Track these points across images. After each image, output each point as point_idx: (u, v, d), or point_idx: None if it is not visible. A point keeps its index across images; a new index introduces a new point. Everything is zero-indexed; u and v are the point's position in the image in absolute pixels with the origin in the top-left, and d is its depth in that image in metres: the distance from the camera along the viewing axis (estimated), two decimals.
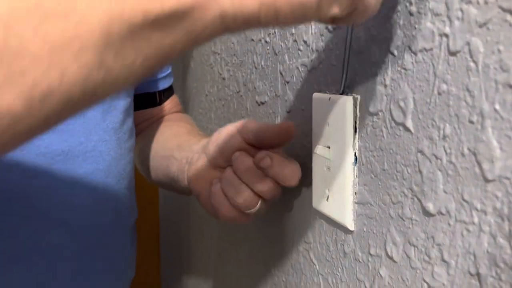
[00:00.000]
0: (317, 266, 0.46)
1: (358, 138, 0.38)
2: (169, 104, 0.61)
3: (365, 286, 0.38)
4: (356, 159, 0.38)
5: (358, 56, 0.38)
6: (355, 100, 0.38)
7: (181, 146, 0.51)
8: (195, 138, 0.52)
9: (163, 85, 0.58)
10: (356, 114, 0.38)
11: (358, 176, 0.38)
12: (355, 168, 0.38)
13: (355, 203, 0.39)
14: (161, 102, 0.59)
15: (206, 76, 0.79)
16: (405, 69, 0.32)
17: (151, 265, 1.01)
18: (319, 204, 0.44)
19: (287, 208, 0.52)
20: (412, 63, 0.32)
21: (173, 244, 1.02)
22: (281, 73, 0.51)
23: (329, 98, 0.40)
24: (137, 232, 0.98)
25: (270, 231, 0.57)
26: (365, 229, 0.38)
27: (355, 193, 0.39)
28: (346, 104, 0.38)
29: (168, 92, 0.60)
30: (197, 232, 0.92)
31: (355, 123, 0.38)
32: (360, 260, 0.39)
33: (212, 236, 0.81)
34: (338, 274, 0.42)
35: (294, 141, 0.50)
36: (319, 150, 0.41)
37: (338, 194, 0.40)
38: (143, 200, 0.97)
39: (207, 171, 0.44)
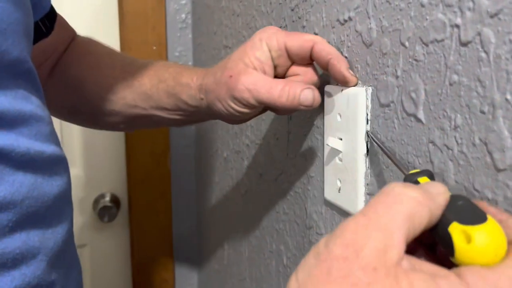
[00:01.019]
0: None
1: (370, 129, 0.38)
2: (60, 28, 0.55)
3: None
4: (368, 150, 0.39)
5: (369, 48, 0.38)
6: (367, 91, 0.38)
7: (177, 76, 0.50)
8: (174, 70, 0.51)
9: (40, 12, 0.50)
10: (368, 105, 0.38)
11: (370, 167, 0.39)
12: (367, 159, 0.39)
13: (367, 194, 0.39)
14: (48, 30, 0.52)
15: None
16: (416, 60, 0.33)
17: (165, 258, 1.03)
18: (331, 195, 0.44)
19: (299, 199, 0.53)
20: (424, 54, 0.32)
21: (186, 236, 1.04)
22: None
23: (342, 90, 0.41)
24: (150, 225, 0.99)
25: (282, 222, 0.58)
26: None
27: (367, 184, 0.39)
28: (358, 96, 0.38)
29: (50, 16, 0.53)
30: (209, 223, 0.93)
31: (367, 114, 0.38)
32: None
33: (225, 227, 0.82)
34: None
35: (306, 133, 0.50)
36: (331, 141, 0.42)
37: (350, 185, 0.41)
38: (155, 193, 0.99)
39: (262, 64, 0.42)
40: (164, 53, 0.94)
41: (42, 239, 0.35)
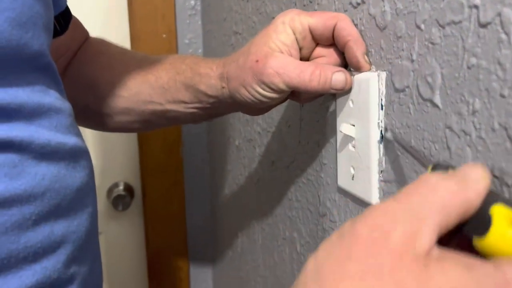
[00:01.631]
0: None
1: (384, 115, 0.37)
2: (74, 28, 0.55)
3: None
4: (382, 136, 0.38)
5: (383, 31, 0.37)
6: (379, 76, 0.37)
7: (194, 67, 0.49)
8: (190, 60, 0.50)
9: (56, 10, 0.49)
10: (382, 91, 0.37)
11: (384, 154, 0.38)
12: (381, 146, 0.38)
13: (381, 181, 0.39)
14: (63, 29, 0.52)
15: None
16: (432, 43, 0.31)
17: (179, 246, 1.03)
18: (344, 183, 0.44)
19: (312, 187, 0.52)
20: (440, 37, 0.31)
21: (199, 224, 1.04)
22: None
23: (353, 75, 0.40)
24: (164, 213, 1.00)
25: (295, 209, 0.57)
26: None
27: (382, 171, 0.38)
28: (370, 81, 0.37)
29: (65, 16, 0.52)
30: (222, 211, 0.93)
31: (381, 100, 0.37)
32: None
33: (238, 215, 0.82)
34: None
35: (318, 120, 0.49)
36: (344, 128, 0.41)
37: (364, 173, 0.40)
38: (168, 181, 0.99)
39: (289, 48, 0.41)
40: (174, 41, 0.94)
41: (65, 232, 0.35)
